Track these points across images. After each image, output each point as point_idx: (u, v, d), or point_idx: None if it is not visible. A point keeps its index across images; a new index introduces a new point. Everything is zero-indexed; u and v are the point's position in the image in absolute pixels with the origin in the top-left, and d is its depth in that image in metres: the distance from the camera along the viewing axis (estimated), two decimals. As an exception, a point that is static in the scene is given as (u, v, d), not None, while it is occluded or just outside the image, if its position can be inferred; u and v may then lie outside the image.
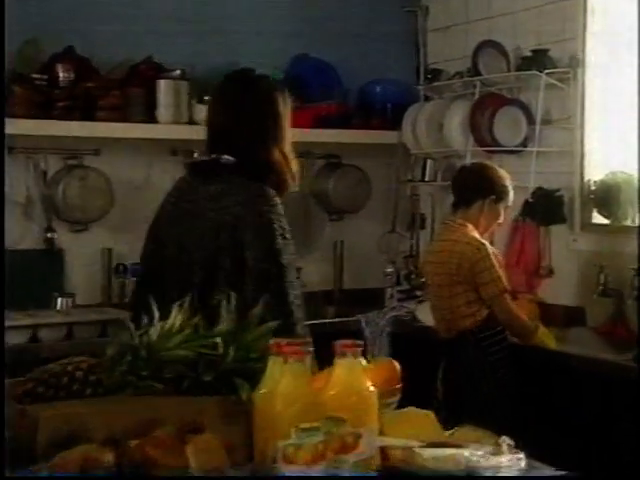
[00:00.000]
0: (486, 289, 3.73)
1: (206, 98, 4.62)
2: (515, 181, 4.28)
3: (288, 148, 2.85)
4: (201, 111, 4.61)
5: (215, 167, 2.80)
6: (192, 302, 2.25)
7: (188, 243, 2.78)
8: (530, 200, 4.44)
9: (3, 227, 4.00)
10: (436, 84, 5.03)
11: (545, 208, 4.43)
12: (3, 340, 2.83)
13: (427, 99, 5.18)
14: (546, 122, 4.60)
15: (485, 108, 4.61)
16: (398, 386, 2.28)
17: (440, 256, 3.87)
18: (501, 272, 3.77)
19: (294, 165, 2.84)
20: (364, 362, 2.04)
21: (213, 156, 2.83)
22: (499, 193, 3.86)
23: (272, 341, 1.94)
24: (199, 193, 2.80)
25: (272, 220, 2.68)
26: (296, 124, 4.83)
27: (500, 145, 4.58)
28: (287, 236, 2.70)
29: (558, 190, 4.45)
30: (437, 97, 5.13)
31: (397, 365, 2.30)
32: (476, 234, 3.82)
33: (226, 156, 2.77)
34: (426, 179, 5.11)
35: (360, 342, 1.97)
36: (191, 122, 4.64)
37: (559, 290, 4.58)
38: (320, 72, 5.14)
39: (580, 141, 4.44)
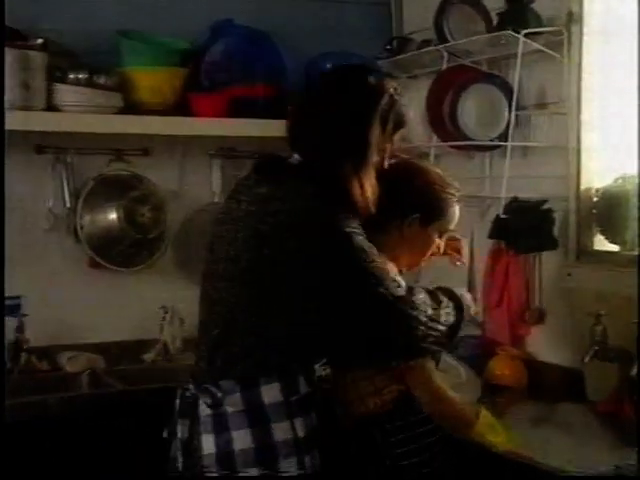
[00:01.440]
0: (393, 357, 2.42)
1: (72, 76, 3.46)
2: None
3: (367, 172, 2.29)
4: (67, 93, 3.44)
5: (278, 167, 2.33)
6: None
7: (217, 251, 2.31)
8: (502, 216, 3.10)
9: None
10: (400, 57, 3.71)
11: (525, 227, 3.08)
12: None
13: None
14: (538, 106, 3.29)
15: (447, 87, 3.30)
16: None
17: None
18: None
19: (369, 191, 2.28)
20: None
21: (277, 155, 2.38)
22: (429, 210, 2.54)
23: None
24: (249, 194, 2.30)
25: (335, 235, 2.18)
26: (209, 112, 3.74)
27: (467, 138, 3.26)
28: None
29: (544, 201, 3.10)
30: (404, 76, 3.82)
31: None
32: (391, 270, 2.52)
33: (297, 156, 2.31)
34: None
35: None
36: (52, 108, 3.44)
37: (552, 343, 3.26)
38: (250, 44, 3.88)
39: (577, 132, 3.10)
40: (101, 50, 3.59)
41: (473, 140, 3.24)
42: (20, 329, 3.52)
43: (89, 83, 3.46)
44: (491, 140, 3.27)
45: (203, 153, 3.89)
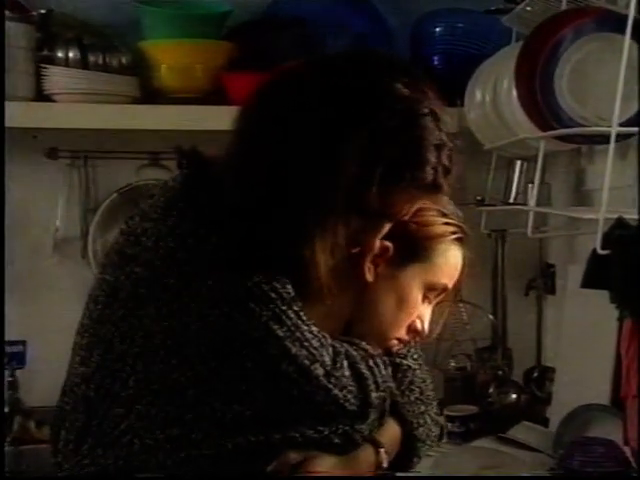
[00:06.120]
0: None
1: (60, 55, 2.65)
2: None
3: (333, 241, 1.37)
4: (56, 78, 2.62)
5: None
6: None
7: None
8: (600, 252, 1.82)
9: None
10: (521, 9, 2.49)
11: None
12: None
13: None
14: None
15: (542, 43, 2.06)
16: None
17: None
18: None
19: (324, 271, 1.37)
20: None
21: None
22: (404, 241, 1.58)
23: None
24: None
25: None
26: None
27: (569, 123, 2.01)
28: None
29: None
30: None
31: None
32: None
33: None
34: (513, 199, 2.61)
35: None
36: (44, 98, 2.61)
37: None
38: (336, 3, 2.82)
39: None
40: (120, 23, 2.73)
41: (574, 125, 1.99)
42: (14, 384, 2.74)
43: (83, 63, 2.60)
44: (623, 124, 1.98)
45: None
